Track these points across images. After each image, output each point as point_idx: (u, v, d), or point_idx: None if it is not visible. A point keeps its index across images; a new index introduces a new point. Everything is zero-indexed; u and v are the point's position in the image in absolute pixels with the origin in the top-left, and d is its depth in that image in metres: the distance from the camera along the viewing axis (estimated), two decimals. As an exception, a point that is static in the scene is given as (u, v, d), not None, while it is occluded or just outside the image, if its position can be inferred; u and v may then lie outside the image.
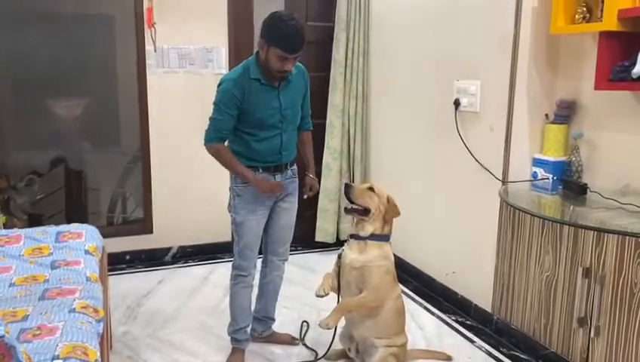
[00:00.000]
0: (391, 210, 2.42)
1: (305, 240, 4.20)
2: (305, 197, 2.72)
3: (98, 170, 4.51)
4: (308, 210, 4.20)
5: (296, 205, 2.71)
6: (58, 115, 4.30)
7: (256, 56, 2.41)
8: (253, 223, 2.53)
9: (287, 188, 2.60)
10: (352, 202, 2.41)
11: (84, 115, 4.37)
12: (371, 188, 2.43)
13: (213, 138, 2.44)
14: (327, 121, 4.09)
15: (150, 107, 3.86)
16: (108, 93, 4.50)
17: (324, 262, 3.95)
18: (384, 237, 2.42)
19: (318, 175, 4.11)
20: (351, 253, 2.40)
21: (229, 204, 2.58)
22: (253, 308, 2.76)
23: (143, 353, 2.74)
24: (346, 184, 2.51)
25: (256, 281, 2.72)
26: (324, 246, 4.21)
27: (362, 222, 2.40)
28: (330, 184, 4.14)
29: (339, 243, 4.24)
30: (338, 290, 2.45)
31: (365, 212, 2.38)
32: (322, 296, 2.40)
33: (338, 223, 4.28)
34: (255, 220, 2.53)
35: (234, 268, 2.61)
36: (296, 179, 2.67)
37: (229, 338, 2.68)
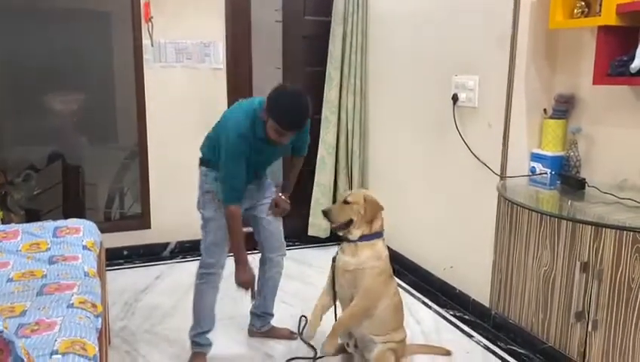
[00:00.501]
0: (370, 209, 2.39)
1: (299, 235, 4.21)
2: (268, 215, 2.66)
3: (95, 165, 4.50)
4: (302, 204, 4.21)
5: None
6: (55, 110, 4.28)
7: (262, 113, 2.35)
8: (221, 220, 2.46)
9: (264, 194, 2.63)
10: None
11: (82, 109, 4.36)
12: (346, 201, 2.41)
13: (233, 198, 2.38)
14: (322, 116, 4.09)
15: (147, 102, 3.85)
16: (105, 87, 4.49)
17: (321, 257, 3.97)
18: (375, 236, 2.40)
19: (312, 171, 4.11)
20: (344, 256, 2.39)
21: (198, 201, 2.55)
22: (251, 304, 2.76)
23: (141, 348, 2.74)
24: (323, 211, 2.49)
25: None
26: (320, 241, 4.21)
27: (350, 229, 2.40)
28: (323, 179, 4.13)
29: (333, 238, 4.25)
30: (334, 297, 2.46)
31: (349, 223, 2.38)
32: (312, 337, 2.46)
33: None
34: (224, 218, 2.46)
35: (200, 266, 2.54)
36: (272, 185, 2.70)
37: (190, 341, 2.58)
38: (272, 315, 2.86)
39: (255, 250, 2.78)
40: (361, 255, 2.35)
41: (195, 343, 2.57)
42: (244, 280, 2.47)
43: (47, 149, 4.25)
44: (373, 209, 2.40)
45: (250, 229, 2.71)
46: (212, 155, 2.47)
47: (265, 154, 2.47)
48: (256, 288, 2.64)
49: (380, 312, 2.38)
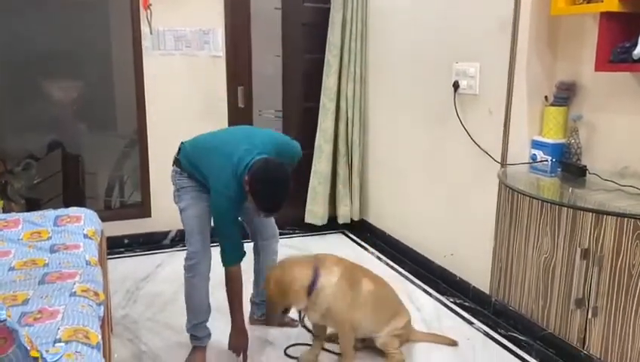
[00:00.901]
0: (279, 292, 2.30)
1: (298, 223, 4.22)
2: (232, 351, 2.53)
3: (95, 153, 4.49)
4: (299, 192, 4.21)
5: None
6: (54, 98, 4.26)
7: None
8: (196, 208, 2.46)
9: None
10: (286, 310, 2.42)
11: (80, 98, 4.34)
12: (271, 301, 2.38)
13: (234, 259, 2.37)
14: (321, 104, 4.07)
15: (146, 89, 3.83)
16: (104, 75, 4.47)
17: (319, 245, 3.99)
18: (314, 282, 2.32)
19: (310, 156, 4.09)
20: (309, 315, 2.43)
21: (173, 196, 2.57)
22: (250, 293, 2.77)
23: (143, 336, 2.75)
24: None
25: (250, 266, 2.72)
26: (318, 229, 4.22)
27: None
28: (321, 167, 4.13)
29: (329, 225, 4.26)
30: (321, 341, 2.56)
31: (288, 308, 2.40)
32: None
33: (333, 207, 4.28)
34: (198, 206, 2.46)
35: (185, 258, 2.50)
36: None
37: (188, 336, 2.56)
38: None
39: (248, 238, 2.76)
40: (319, 303, 2.34)
41: (193, 337, 2.55)
42: (236, 346, 2.47)
43: (46, 138, 4.24)
44: (281, 291, 2.30)
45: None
46: (188, 165, 2.48)
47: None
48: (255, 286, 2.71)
49: (363, 318, 2.41)
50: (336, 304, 2.33)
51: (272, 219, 2.75)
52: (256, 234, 2.75)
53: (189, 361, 2.51)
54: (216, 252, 2.45)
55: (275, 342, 2.73)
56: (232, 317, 2.45)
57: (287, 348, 2.65)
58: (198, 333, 2.54)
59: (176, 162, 2.55)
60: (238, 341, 2.47)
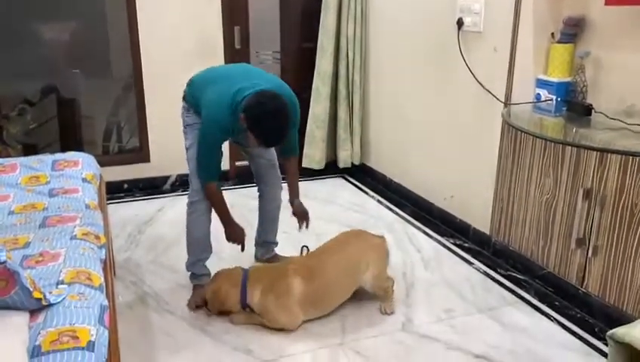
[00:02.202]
0: (219, 305, 2.40)
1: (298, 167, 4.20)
2: (300, 229, 2.67)
3: (91, 98, 4.40)
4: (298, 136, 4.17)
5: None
6: (46, 41, 4.14)
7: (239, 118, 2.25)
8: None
9: None
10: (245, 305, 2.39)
11: (73, 40, 4.21)
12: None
13: (208, 178, 2.41)
14: (319, 44, 3.97)
15: (140, 31, 3.72)
16: (96, 16, 4.32)
17: (318, 189, 3.99)
18: (244, 303, 2.37)
19: (307, 100, 4.03)
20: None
21: (182, 132, 2.55)
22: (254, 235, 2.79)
23: (146, 278, 2.78)
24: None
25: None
26: (317, 173, 4.20)
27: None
28: (318, 110, 4.06)
29: (329, 170, 4.24)
30: None
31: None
32: None
33: (333, 151, 4.25)
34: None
35: (188, 196, 2.54)
36: None
37: (188, 274, 2.63)
38: (274, 243, 2.89)
39: (254, 183, 2.78)
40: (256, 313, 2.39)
41: (192, 275, 2.60)
42: (234, 237, 2.54)
43: (40, 82, 4.15)
44: (220, 303, 2.39)
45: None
46: (192, 100, 2.47)
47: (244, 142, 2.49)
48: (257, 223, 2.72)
49: (312, 309, 2.39)
50: (268, 316, 2.35)
51: (276, 167, 2.73)
52: (260, 180, 2.74)
53: (191, 301, 2.55)
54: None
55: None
56: (222, 220, 2.50)
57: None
58: (196, 271, 2.59)
59: (184, 97, 2.54)
60: (234, 233, 2.52)
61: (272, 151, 2.67)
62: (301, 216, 2.66)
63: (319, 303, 2.40)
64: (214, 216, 2.53)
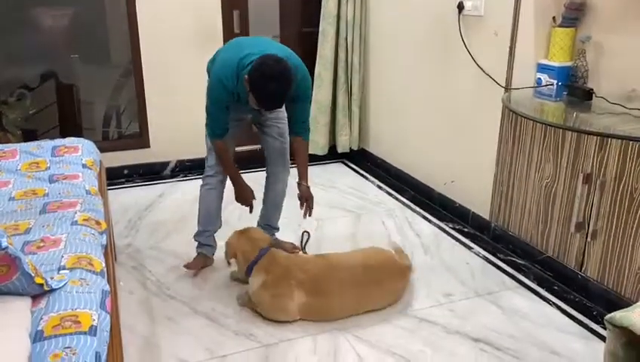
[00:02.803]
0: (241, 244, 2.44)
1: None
2: (305, 217, 2.67)
3: (90, 83, 4.38)
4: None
5: (283, 124, 2.65)
6: (44, 26, 4.11)
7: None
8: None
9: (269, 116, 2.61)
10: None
11: (72, 25, 4.18)
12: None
13: (214, 135, 2.48)
14: (320, 29, 3.94)
15: (139, 17, 3.69)
16: (95, 1, 4.28)
17: (321, 175, 3.98)
18: (248, 270, 2.38)
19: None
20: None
21: None
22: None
23: (147, 264, 2.79)
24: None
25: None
26: (319, 159, 4.20)
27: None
28: (321, 95, 4.04)
29: (329, 155, 4.23)
30: None
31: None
32: None
33: (332, 136, 4.24)
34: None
35: (204, 171, 2.66)
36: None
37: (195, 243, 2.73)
38: (276, 228, 2.89)
39: (263, 166, 2.78)
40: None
41: (198, 244, 2.71)
42: (242, 197, 2.62)
43: (38, 68, 4.12)
44: (230, 253, 2.47)
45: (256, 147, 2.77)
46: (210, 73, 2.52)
47: (246, 112, 2.54)
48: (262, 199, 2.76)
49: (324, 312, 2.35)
50: (261, 308, 2.35)
51: (287, 151, 2.72)
52: (269, 162, 2.74)
53: (190, 264, 2.67)
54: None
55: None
56: (231, 179, 2.61)
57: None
58: (202, 240, 2.69)
59: (208, 72, 2.58)
60: (243, 193, 2.61)
61: (285, 132, 2.65)
62: (306, 198, 2.64)
63: (320, 315, 2.34)
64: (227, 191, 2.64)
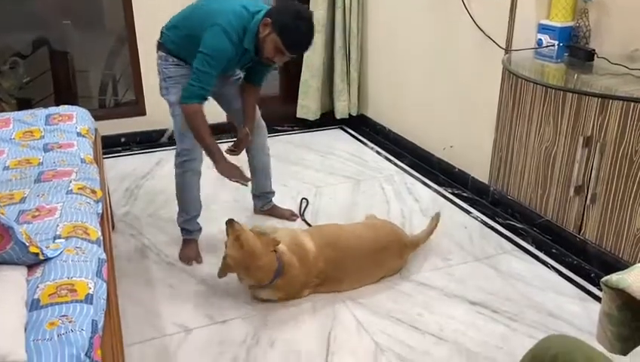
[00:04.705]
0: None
1: (292, 119, 4.15)
2: (229, 153, 2.47)
3: (84, 51, 4.31)
4: (292, 87, 4.11)
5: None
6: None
7: (257, 28, 2.17)
8: None
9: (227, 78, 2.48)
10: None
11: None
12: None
13: (197, 95, 2.21)
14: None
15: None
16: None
17: (318, 141, 3.96)
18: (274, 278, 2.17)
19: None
20: None
21: (160, 87, 2.41)
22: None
23: (146, 231, 2.79)
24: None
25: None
26: (316, 125, 4.16)
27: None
28: (313, 58, 3.97)
29: (327, 121, 4.19)
30: None
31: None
32: None
33: (331, 101, 4.19)
34: None
35: (177, 155, 2.45)
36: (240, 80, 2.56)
37: (180, 229, 2.59)
38: (272, 193, 2.87)
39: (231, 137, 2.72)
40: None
41: (184, 230, 2.59)
42: (226, 173, 2.37)
43: (30, 35, 4.05)
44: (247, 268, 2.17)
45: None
46: (176, 46, 2.32)
47: (240, 63, 2.36)
48: (248, 173, 2.61)
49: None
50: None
51: (259, 116, 2.64)
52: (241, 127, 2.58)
53: (182, 254, 2.56)
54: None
55: (276, 234, 2.77)
56: (205, 150, 2.34)
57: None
58: (189, 227, 2.58)
59: (161, 47, 2.38)
60: (225, 167, 2.35)
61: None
62: (242, 140, 2.51)
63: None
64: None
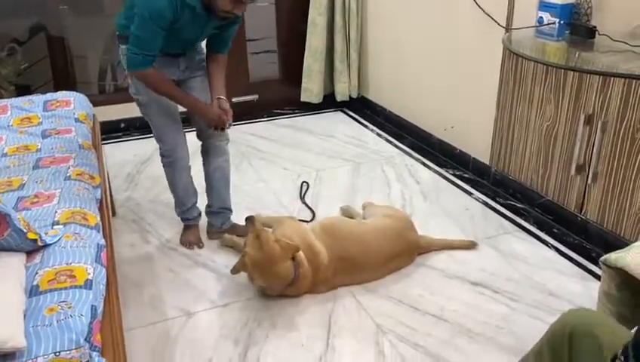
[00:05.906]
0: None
1: (294, 102, 4.13)
2: (216, 130, 2.31)
3: (82, 36, 4.28)
4: (294, 70, 4.08)
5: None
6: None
7: None
8: (160, 101, 2.23)
9: (192, 64, 2.31)
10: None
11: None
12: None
13: (142, 63, 2.06)
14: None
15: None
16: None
17: (318, 124, 3.94)
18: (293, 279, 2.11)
19: (303, 35, 3.91)
20: None
21: (129, 86, 2.29)
22: (206, 202, 2.56)
23: (147, 217, 2.80)
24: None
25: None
26: (316, 108, 4.14)
27: None
28: (315, 42, 3.93)
29: (328, 103, 4.17)
30: None
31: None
32: None
33: (330, 84, 4.16)
34: (162, 98, 2.22)
35: (160, 155, 2.40)
36: (204, 53, 2.36)
37: (179, 218, 2.57)
38: (230, 210, 2.58)
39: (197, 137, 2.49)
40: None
41: (184, 219, 2.58)
42: (212, 118, 2.24)
43: (27, 21, 4.02)
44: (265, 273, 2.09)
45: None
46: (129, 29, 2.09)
47: (195, 29, 2.12)
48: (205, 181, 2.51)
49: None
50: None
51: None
52: (202, 135, 2.44)
53: (183, 239, 2.56)
54: (191, 136, 2.36)
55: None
56: (183, 103, 2.25)
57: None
58: (188, 216, 2.56)
59: (119, 37, 2.21)
60: (208, 112, 2.24)
61: (205, 86, 2.34)
62: (225, 110, 2.27)
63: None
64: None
